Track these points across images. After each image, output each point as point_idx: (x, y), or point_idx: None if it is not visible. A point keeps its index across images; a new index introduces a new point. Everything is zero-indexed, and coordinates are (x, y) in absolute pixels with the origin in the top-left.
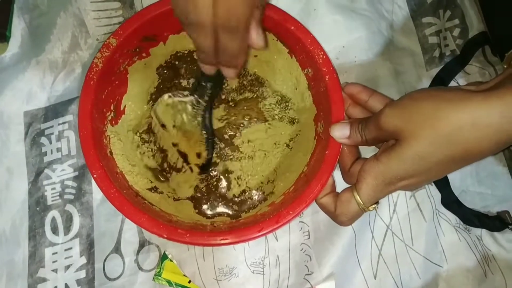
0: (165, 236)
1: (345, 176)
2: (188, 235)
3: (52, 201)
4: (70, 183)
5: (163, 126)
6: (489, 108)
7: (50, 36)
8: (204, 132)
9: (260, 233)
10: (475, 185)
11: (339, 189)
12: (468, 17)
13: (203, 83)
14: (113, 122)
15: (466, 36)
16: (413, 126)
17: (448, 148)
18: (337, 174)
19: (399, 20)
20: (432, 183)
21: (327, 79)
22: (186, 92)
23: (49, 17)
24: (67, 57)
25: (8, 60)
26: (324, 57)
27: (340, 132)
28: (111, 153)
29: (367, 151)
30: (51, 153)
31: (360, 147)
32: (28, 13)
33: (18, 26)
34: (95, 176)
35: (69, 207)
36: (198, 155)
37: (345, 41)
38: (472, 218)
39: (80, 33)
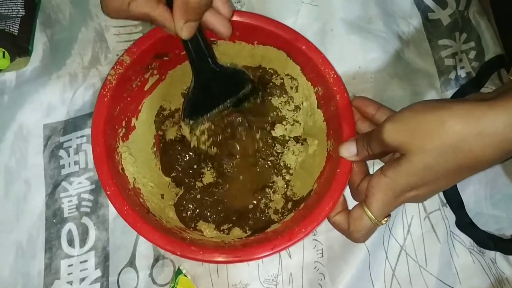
0: (179, 253)
1: (354, 193)
2: (201, 252)
3: (69, 213)
4: (86, 196)
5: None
6: (493, 117)
7: (71, 50)
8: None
9: (273, 251)
10: (489, 208)
11: (350, 206)
12: (484, 40)
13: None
14: (124, 138)
15: (482, 59)
16: (419, 140)
17: (455, 158)
18: (347, 192)
19: (415, 42)
20: (447, 205)
21: (338, 98)
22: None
23: (70, 32)
24: (87, 72)
25: (29, 73)
26: (335, 76)
27: (348, 151)
28: (123, 169)
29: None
30: (69, 166)
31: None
32: (50, 28)
33: (40, 41)
34: (108, 193)
35: (85, 220)
36: None
37: (361, 61)
38: (486, 240)
39: (101, 48)
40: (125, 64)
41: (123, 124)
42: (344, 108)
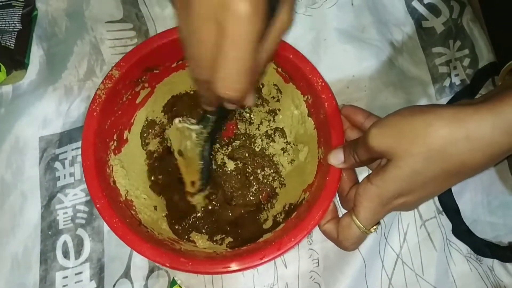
0: (168, 265)
1: (343, 202)
2: (190, 263)
3: (64, 225)
4: (82, 207)
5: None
6: (480, 120)
7: (67, 63)
8: (200, 162)
9: (262, 261)
10: (486, 215)
11: (340, 214)
12: (478, 47)
13: (208, 116)
14: (116, 151)
15: (476, 66)
16: (405, 144)
17: (442, 162)
18: (337, 200)
19: (409, 50)
20: (443, 213)
21: (326, 106)
22: (193, 120)
23: (66, 45)
24: (83, 84)
25: (26, 86)
26: (323, 84)
27: (335, 158)
28: (114, 182)
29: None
30: (64, 177)
31: None
32: (46, 41)
33: (36, 54)
34: (98, 206)
35: (81, 232)
36: (193, 183)
37: (355, 70)
38: (483, 248)
39: (96, 61)
40: (114, 78)
41: (115, 138)
42: (332, 115)
